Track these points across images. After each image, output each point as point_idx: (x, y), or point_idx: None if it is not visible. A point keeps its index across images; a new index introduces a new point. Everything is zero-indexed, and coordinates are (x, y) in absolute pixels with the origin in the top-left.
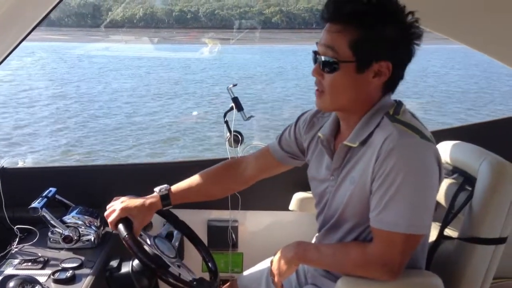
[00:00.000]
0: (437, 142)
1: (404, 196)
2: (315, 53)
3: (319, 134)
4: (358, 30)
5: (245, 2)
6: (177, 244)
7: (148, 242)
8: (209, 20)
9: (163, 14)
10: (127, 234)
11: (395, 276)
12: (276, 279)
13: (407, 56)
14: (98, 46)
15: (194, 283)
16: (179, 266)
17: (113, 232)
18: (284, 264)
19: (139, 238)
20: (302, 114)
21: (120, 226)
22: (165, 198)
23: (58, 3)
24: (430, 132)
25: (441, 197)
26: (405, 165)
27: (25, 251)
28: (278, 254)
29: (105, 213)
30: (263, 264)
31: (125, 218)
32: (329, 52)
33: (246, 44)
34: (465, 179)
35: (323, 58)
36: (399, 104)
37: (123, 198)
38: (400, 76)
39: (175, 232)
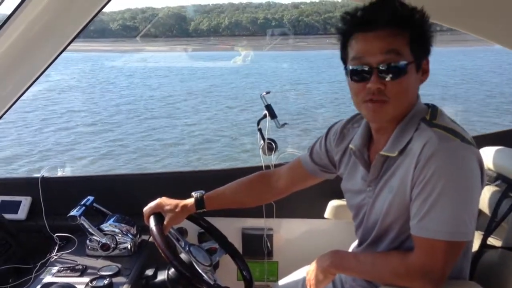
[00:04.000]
0: (479, 147)
1: (446, 202)
2: (366, 65)
3: (351, 146)
4: (406, 30)
5: (324, 8)
6: (217, 258)
7: (182, 247)
8: (292, 27)
9: (247, 23)
10: (154, 226)
11: (437, 286)
12: None
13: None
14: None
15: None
16: (212, 275)
17: (149, 240)
18: (320, 273)
19: (169, 235)
20: (332, 126)
21: (151, 218)
22: (199, 201)
23: (95, 16)
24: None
25: (483, 204)
26: (447, 170)
27: (64, 259)
28: (314, 264)
29: (144, 208)
30: (299, 273)
31: (158, 213)
32: (392, 57)
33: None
34: (508, 186)
35: (385, 65)
36: (434, 108)
37: (162, 198)
38: None
39: (218, 248)
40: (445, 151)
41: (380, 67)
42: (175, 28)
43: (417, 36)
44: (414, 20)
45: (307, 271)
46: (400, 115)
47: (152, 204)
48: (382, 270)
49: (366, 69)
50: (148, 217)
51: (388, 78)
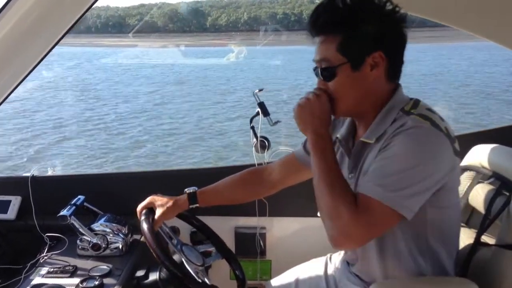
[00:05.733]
0: (472, 145)
1: (392, 169)
2: (315, 69)
3: (337, 135)
4: (338, 35)
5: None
6: (211, 262)
7: (175, 245)
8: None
9: (266, 18)
10: (144, 220)
11: (350, 242)
12: None
13: (397, 40)
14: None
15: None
16: (203, 275)
17: (141, 239)
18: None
19: (161, 232)
20: None
21: (143, 212)
22: (192, 197)
23: (87, 10)
24: (463, 135)
25: (477, 202)
26: (404, 144)
27: (54, 259)
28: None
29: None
30: (292, 272)
31: (150, 208)
32: (323, 63)
33: None
34: (502, 184)
35: (320, 70)
36: (416, 100)
37: (155, 195)
38: (400, 61)
39: (214, 252)
40: (410, 129)
41: (318, 71)
42: (193, 23)
43: (348, 38)
44: (340, 25)
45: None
46: (355, 108)
47: (145, 201)
48: (326, 203)
49: (314, 71)
50: (140, 213)
51: (326, 80)
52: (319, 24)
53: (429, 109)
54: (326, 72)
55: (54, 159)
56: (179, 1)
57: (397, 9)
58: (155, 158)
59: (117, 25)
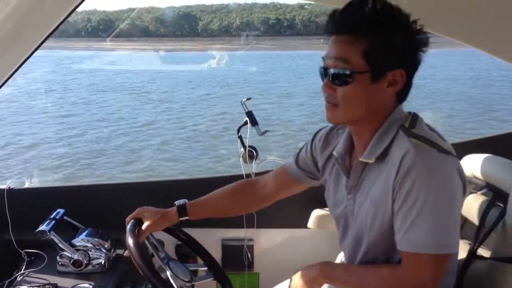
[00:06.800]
0: (463, 154)
1: (428, 214)
2: (324, 68)
3: (334, 153)
4: (369, 39)
5: (331, 9)
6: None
7: (161, 258)
8: (304, 27)
9: (259, 23)
10: (129, 232)
11: None
12: None
13: (416, 63)
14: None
15: None
16: None
17: (124, 254)
18: (306, 283)
19: (146, 242)
20: (318, 131)
21: (129, 223)
22: (182, 209)
23: (69, 15)
24: (454, 144)
25: (470, 213)
26: (425, 181)
27: (33, 277)
28: (300, 273)
29: None
30: (282, 286)
31: (138, 219)
32: (340, 64)
33: None
34: (495, 194)
35: (333, 71)
36: (414, 116)
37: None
38: (411, 84)
39: (206, 271)
40: (423, 162)
41: (330, 71)
42: (184, 28)
43: (376, 46)
44: (374, 29)
45: (291, 278)
46: (358, 119)
47: (134, 212)
48: (372, 283)
49: (323, 71)
50: (127, 224)
51: (336, 84)
52: (350, 21)
53: (429, 127)
54: (342, 75)
55: None
56: (168, 5)
57: (423, 29)
58: None
59: (107, 29)
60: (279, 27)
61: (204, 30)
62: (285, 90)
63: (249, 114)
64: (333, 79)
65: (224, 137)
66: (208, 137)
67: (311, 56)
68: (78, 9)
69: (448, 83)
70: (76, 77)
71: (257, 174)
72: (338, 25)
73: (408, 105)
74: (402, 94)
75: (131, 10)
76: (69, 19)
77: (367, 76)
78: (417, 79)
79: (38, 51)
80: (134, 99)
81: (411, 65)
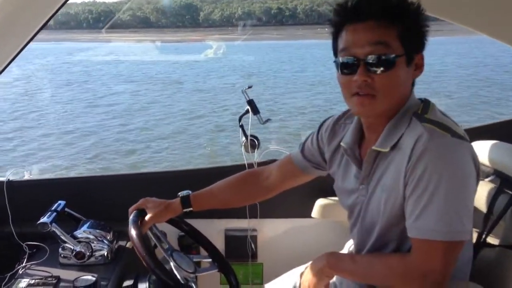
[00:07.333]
0: (471, 141)
1: (440, 200)
2: (354, 57)
3: (342, 144)
4: (403, 22)
5: None
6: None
7: (165, 249)
8: (306, 16)
9: (260, 13)
10: (132, 223)
11: (439, 287)
12: None
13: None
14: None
15: None
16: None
17: (127, 245)
18: (315, 276)
19: (149, 233)
20: (324, 121)
21: (132, 214)
22: (185, 201)
23: (61, 7)
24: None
25: (478, 200)
26: (438, 166)
27: (35, 270)
28: (308, 266)
29: None
30: (287, 276)
31: (141, 209)
32: (381, 49)
33: None
34: (503, 181)
35: (372, 57)
36: (426, 102)
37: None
38: None
39: (210, 263)
40: (436, 146)
41: (368, 59)
42: (186, 19)
43: (408, 29)
44: (406, 12)
45: (301, 274)
46: (389, 110)
47: (137, 202)
48: (380, 272)
49: (353, 61)
50: (131, 215)
51: (376, 71)
52: (377, 6)
53: (442, 113)
54: (384, 60)
55: None
56: None
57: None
58: None
59: (109, 20)
60: (281, 17)
61: (205, 21)
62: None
63: (250, 102)
64: (371, 66)
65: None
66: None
67: (319, 46)
68: (78, 1)
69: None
70: (101, 68)
71: (259, 164)
72: (372, 10)
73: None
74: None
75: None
76: (70, 10)
77: (404, 60)
78: (468, 68)
79: (47, 43)
80: (175, 90)
81: (424, 48)
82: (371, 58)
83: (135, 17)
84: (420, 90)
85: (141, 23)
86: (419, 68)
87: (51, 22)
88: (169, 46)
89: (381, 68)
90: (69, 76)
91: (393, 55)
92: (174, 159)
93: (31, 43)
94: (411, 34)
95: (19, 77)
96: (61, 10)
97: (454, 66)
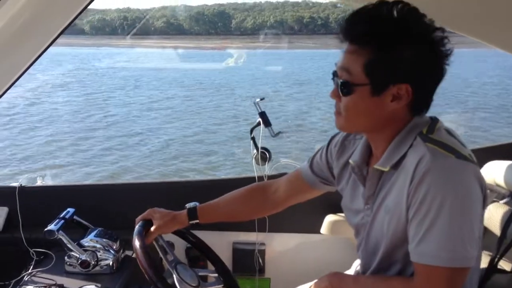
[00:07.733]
0: (485, 161)
1: (443, 224)
2: (334, 74)
3: (350, 161)
4: (373, 51)
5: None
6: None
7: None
8: (338, 25)
9: (293, 22)
10: (136, 232)
11: None
12: None
13: (433, 76)
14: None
15: None
16: None
17: (133, 255)
18: None
19: (155, 244)
20: (334, 136)
21: (138, 224)
22: (192, 213)
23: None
24: (475, 150)
25: (491, 223)
26: (441, 189)
27: (40, 277)
28: (312, 286)
29: None
30: None
31: (147, 220)
32: (344, 75)
33: None
34: None
35: (339, 80)
36: (433, 121)
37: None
38: (429, 96)
39: (216, 278)
40: (439, 168)
41: (336, 80)
42: (218, 26)
43: (380, 58)
44: (381, 41)
45: None
46: (364, 130)
47: (144, 212)
48: None
49: (332, 77)
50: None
51: (341, 93)
52: (355, 31)
53: (448, 132)
54: (343, 86)
55: None
56: (201, 3)
57: (445, 41)
58: None
59: (143, 27)
60: (313, 26)
61: (237, 29)
62: None
63: (262, 114)
64: (337, 87)
65: None
66: None
67: None
68: (113, 7)
69: None
70: (150, 74)
71: (270, 177)
72: (344, 33)
73: None
74: (416, 107)
75: (164, 8)
76: (106, 17)
77: (367, 89)
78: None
79: (86, 48)
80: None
81: (423, 79)
82: (337, 81)
83: (169, 24)
84: None
85: (174, 30)
86: (401, 99)
87: (87, 27)
88: (207, 53)
89: (341, 92)
90: (119, 81)
91: (351, 83)
92: None
93: (77, 48)
94: (381, 65)
95: (73, 80)
96: (96, 16)
97: None
